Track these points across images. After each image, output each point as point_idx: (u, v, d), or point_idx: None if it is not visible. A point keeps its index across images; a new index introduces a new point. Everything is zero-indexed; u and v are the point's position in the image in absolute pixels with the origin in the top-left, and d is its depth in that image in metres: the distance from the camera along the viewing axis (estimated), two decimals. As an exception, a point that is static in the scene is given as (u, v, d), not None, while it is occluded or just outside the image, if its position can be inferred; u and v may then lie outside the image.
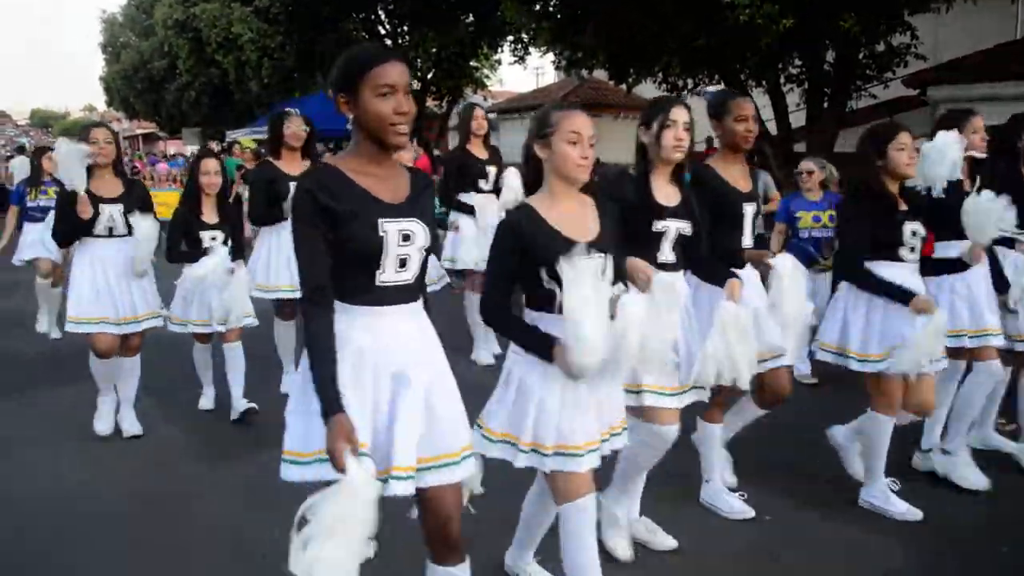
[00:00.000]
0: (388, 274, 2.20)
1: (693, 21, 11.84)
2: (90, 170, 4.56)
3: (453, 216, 6.33)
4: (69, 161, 4.50)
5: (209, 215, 5.07)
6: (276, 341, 5.67)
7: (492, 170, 6.20)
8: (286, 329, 5.64)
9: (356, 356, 2.14)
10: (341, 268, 2.16)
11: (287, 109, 5.54)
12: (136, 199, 4.77)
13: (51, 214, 5.52)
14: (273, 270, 5.36)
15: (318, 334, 2.09)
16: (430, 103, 26.60)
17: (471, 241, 6.16)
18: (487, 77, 25.79)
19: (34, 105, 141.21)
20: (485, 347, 6.40)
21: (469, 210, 6.22)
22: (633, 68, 14.61)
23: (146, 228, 4.61)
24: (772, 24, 9.73)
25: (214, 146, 34.63)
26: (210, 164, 5.08)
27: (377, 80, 2.10)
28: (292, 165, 5.28)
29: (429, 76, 23.85)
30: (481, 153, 6.26)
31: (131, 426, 4.93)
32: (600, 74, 17.61)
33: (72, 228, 4.60)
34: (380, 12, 23.70)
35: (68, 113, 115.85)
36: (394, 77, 2.11)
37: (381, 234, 2.15)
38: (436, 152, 18.10)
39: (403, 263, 2.20)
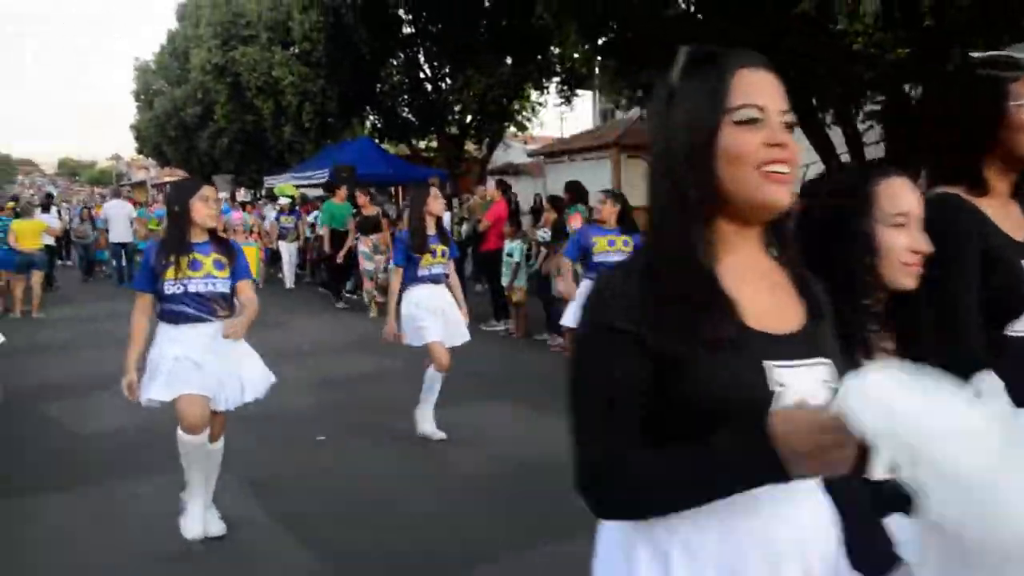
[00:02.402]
0: None
1: (784, 49, 11.16)
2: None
3: None
4: None
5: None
6: None
7: None
8: None
9: None
10: None
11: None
12: None
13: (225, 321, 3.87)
14: None
15: None
16: (469, 146, 26.07)
17: None
18: (528, 120, 25.23)
19: (61, 154, 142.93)
20: None
21: None
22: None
23: None
24: (885, 53, 9.00)
25: (242, 193, 34.43)
26: None
27: None
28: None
29: (468, 120, 23.32)
30: None
31: None
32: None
33: None
34: (420, 56, 23.23)
35: (95, 162, 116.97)
36: None
37: None
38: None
39: None
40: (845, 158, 13.97)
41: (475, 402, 6.38)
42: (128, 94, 37.96)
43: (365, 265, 11.31)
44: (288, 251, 15.50)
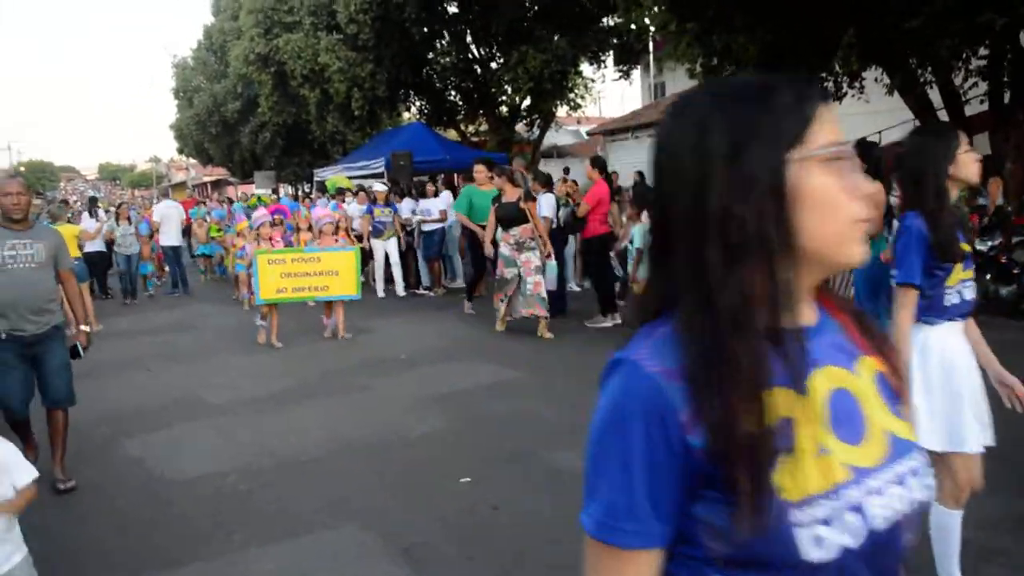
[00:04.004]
0: None
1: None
2: None
3: None
4: None
5: None
6: None
7: None
8: None
9: None
10: None
11: None
12: None
13: None
14: None
15: None
16: (520, 128, 25.09)
17: None
18: (582, 98, 24.13)
19: (101, 159, 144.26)
20: None
21: None
22: (794, 62, 12.87)
23: None
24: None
25: (283, 189, 33.58)
26: None
27: None
28: None
29: (518, 99, 22.29)
30: None
31: None
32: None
33: None
34: (467, 36, 22.27)
35: (134, 165, 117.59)
36: None
37: None
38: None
39: None
40: (943, 116, 12.81)
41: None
42: (164, 94, 37.56)
43: (504, 272, 8.37)
44: (384, 251, 12.34)
